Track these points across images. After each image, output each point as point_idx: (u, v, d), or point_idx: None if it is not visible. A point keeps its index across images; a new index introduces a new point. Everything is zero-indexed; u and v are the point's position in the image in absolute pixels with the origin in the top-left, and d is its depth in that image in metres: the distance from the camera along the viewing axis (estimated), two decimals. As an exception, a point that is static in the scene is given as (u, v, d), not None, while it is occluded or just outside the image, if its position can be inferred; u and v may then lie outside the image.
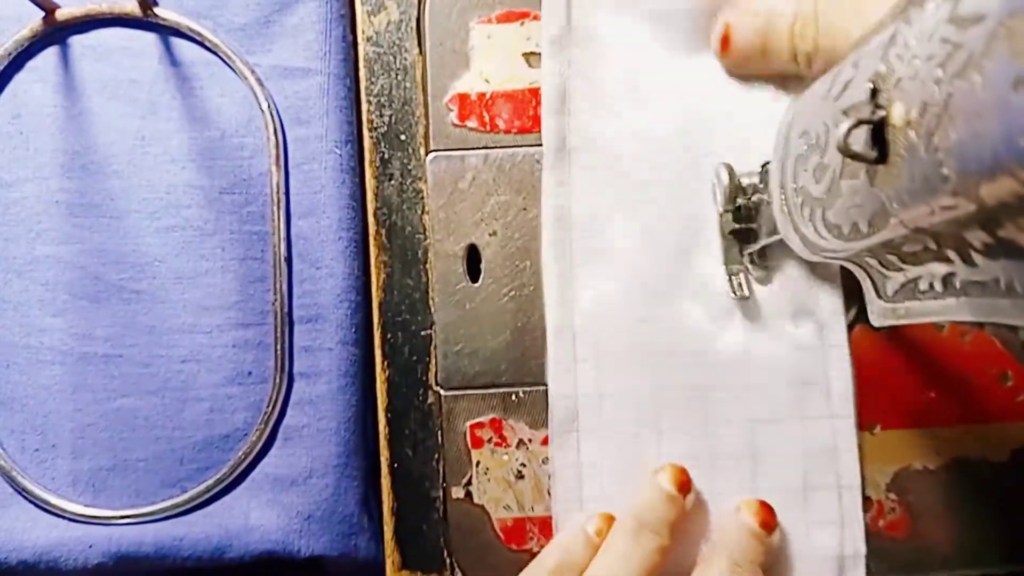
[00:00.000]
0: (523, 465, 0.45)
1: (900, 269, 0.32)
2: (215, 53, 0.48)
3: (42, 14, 0.47)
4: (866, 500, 0.44)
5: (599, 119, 0.45)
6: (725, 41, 0.43)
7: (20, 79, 0.48)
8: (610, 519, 0.43)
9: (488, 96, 0.46)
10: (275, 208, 0.47)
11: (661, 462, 0.44)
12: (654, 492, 0.43)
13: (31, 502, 0.46)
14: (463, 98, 0.46)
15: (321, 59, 0.48)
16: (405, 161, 0.47)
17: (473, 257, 0.46)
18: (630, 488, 0.44)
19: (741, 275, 0.44)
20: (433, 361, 0.46)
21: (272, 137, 0.47)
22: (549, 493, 0.45)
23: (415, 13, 0.47)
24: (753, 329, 0.44)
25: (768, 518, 0.43)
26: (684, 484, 0.43)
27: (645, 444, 0.45)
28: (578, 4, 0.45)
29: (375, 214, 0.47)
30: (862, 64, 0.28)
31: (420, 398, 0.46)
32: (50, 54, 0.48)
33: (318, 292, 0.47)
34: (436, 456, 0.46)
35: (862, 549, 0.44)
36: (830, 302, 0.44)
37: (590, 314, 0.45)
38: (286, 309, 0.47)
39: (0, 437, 0.46)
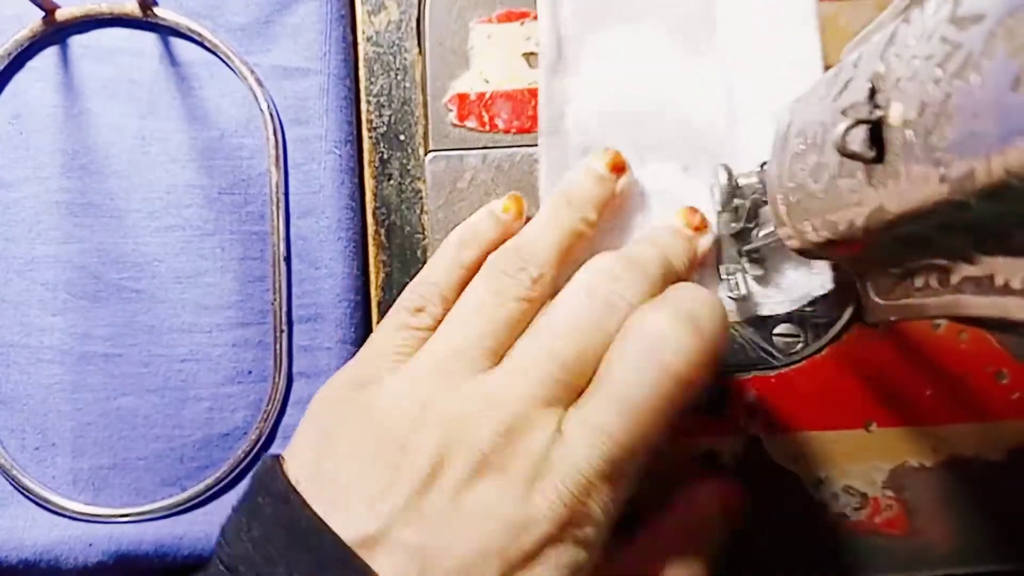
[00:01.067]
0: (522, 463, 0.45)
1: (896, 267, 0.32)
2: (215, 53, 0.48)
3: (42, 14, 0.47)
4: (862, 497, 0.45)
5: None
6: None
7: (20, 79, 0.48)
8: (518, 199, 0.44)
9: (488, 96, 0.46)
10: (274, 208, 0.47)
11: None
12: (584, 174, 0.44)
13: (31, 501, 0.46)
14: (462, 98, 0.46)
15: (321, 59, 0.48)
16: (404, 161, 0.47)
17: (472, 256, 0.46)
18: None
19: (738, 275, 0.44)
20: (432, 360, 0.46)
21: (271, 137, 0.47)
22: None
23: (415, 13, 0.47)
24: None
25: (700, 223, 0.44)
26: (618, 166, 0.44)
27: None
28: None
29: (374, 214, 0.47)
30: (861, 64, 0.28)
31: (419, 397, 0.46)
32: (50, 54, 0.48)
33: (317, 292, 0.47)
34: (435, 454, 0.46)
35: None
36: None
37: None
38: (285, 308, 0.47)
39: (0, 436, 0.46)
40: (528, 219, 0.44)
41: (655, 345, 0.35)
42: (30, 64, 0.48)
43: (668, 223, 0.44)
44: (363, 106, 0.48)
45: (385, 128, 0.47)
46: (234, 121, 0.48)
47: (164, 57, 0.48)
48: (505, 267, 0.40)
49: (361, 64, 0.48)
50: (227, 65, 0.48)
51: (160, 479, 0.47)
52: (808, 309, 0.45)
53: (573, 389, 0.36)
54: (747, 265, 0.44)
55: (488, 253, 0.42)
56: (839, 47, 0.36)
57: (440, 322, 0.40)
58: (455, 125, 0.47)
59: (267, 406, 0.47)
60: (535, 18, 0.46)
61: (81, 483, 0.46)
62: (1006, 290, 0.24)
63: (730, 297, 0.44)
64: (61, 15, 0.47)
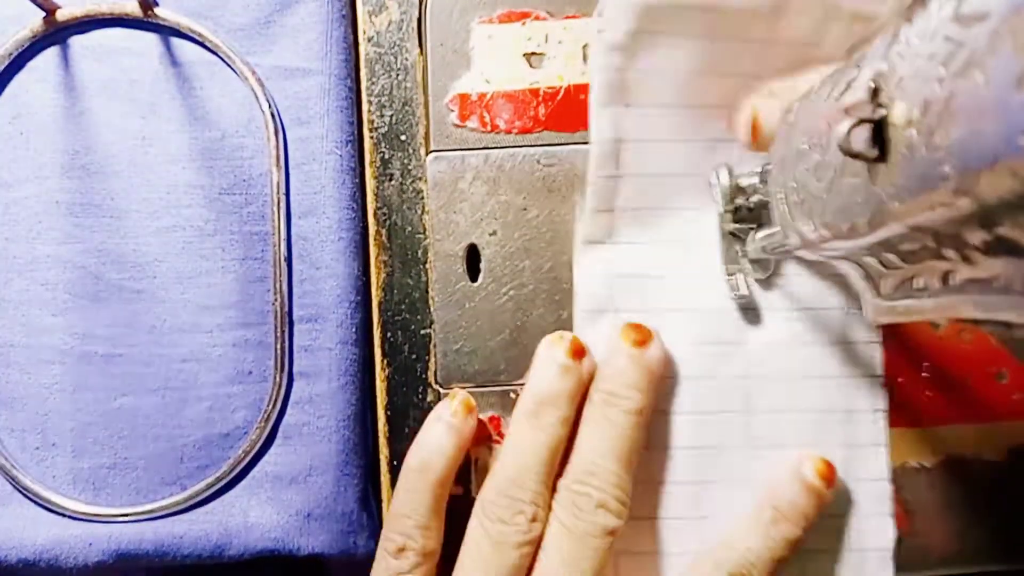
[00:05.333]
0: (522, 463, 0.46)
1: (898, 267, 0.32)
2: (215, 53, 0.48)
3: (42, 14, 0.47)
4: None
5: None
6: (755, 128, 0.41)
7: (20, 79, 0.48)
8: (466, 401, 0.44)
9: (489, 96, 0.46)
10: (275, 208, 0.47)
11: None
12: (547, 367, 0.43)
13: (31, 500, 0.46)
14: (464, 98, 0.46)
15: (322, 59, 0.48)
16: (405, 161, 0.47)
17: (473, 257, 0.47)
18: None
19: (740, 275, 0.44)
20: (433, 360, 0.46)
21: (272, 137, 0.47)
22: None
23: (416, 13, 0.47)
24: (756, 334, 0.45)
25: (828, 473, 0.42)
26: (577, 351, 0.43)
27: None
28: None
29: (375, 214, 0.47)
30: (864, 63, 0.28)
31: (420, 396, 0.46)
32: (50, 54, 0.48)
33: (318, 292, 0.47)
34: (436, 455, 0.46)
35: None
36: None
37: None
38: (286, 309, 0.47)
39: (1, 436, 0.46)
40: (476, 418, 0.44)
41: None
42: (30, 64, 0.48)
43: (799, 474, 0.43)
44: (364, 106, 0.48)
45: (386, 128, 0.47)
46: (235, 121, 0.48)
47: (164, 57, 0.48)
48: (500, 514, 0.41)
49: (362, 64, 0.48)
50: (228, 65, 0.48)
51: (160, 479, 0.47)
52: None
53: None
54: (749, 266, 0.44)
55: (451, 468, 0.42)
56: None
57: (427, 553, 0.42)
58: (456, 125, 0.47)
59: (267, 406, 0.47)
60: (536, 18, 0.46)
61: (81, 483, 0.46)
62: (1007, 291, 0.24)
63: (731, 297, 0.44)
64: (61, 15, 0.47)
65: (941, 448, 0.45)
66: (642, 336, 0.42)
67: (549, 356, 0.43)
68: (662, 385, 0.44)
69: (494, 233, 0.46)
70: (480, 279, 0.46)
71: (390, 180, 0.47)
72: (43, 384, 0.47)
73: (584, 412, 0.43)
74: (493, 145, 0.46)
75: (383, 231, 0.47)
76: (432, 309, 0.46)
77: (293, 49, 0.48)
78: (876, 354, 0.44)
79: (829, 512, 0.43)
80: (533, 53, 0.47)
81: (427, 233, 0.47)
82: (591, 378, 0.43)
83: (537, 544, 0.40)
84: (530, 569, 0.40)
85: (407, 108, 0.47)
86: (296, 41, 0.48)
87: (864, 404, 0.44)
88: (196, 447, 0.47)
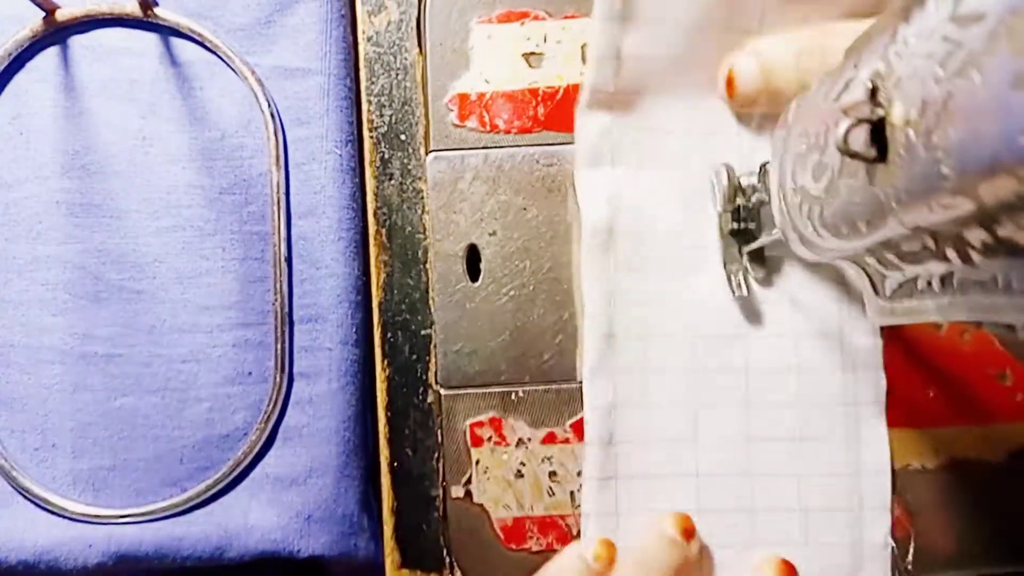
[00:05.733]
0: (522, 464, 0.46)
1: (898, 268, 0.32)
2: (215, 53, 0.48)
3: (42, 14, 0.47)
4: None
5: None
6: (729, 84, 0.43)
7: (20, 79, 0.48)
8: (609, 545, 0.43)
9: (488, 96, 0.46)
10: (275, 208, 0.47)
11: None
12: (658, 539, 0.43)
13: (31, 501, 0.46)
14: (463, 98, 0.46)
15: (321, 59, 0.48)
16: (405, 161, 0.47)
17: (473, 257, 0.46)
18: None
19: (740, 274, 0.44)
20: (433, 360, 0.46)
21: (272, 137, 0.47)
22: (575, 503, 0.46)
23: (415, 13, 0.47)
24: (756, 333, 0.45)
25: (688, 526, 0.43)
26: (688, 531, 0.43)
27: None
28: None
29: (375, 214, 0.47)
30: (862, 63, 0.28)
31: (420, 397, 0.46)
32: (50, 54, 0.48)
33: (318, 292, 0.47)
34: (436, 455, 0.46)
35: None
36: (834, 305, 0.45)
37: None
38: (286, 309, 0.47)
39: (0, 436, 0.46)
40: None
41: None
42: (30, 64, 0.48)
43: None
44: (364, 106, 0.47)
45: (386, 128, 0.47)
46: (235, 121, 0.48)
47: (164, 57, 0.48)
48: None
49: (362, 64, 0.48)
50: (228, 65, 0.48)
51: (160, 480, 0.47)
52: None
53: None
54: (749, 265, 0.44)
55: None
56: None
57: None
58: (456, 125, 0.46)
59: (267, 407, 0.47)
60: (535, 18, 0.46)
61: (81, 484, 0.46)
62: (1008, 291, 0.24)
63: (732, 297, 0.44)
64: (61, 15, 0.47)
65: (943, 450, 0.45)
66: (689, 527, 0.43)
67: (662, 530, 0.43)
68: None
69: (494, 233, 0.46)
70: (480, 279, 0.46)
71: (390, 180, 0.47)
72: (43, 384, 0.47)
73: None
74: (492, 145, 0.46)
75: (383, 231, 0.47)
76: (432, 309, 0.46)
77: (293, 49, 0.48)
78: (877, 354, 0.44)
79: (831, 505, 0.43)
80: (532, 53, 0.46)
81: (427, 233, 0.47)
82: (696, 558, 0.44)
83: None
84: None
85: (406, 108, 0.47)
86: (296, 41, 0.48)
87: (865, 398, 0.44)
88: (196, 448, 0.47)
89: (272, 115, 0.47)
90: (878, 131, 0.25)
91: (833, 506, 0.44)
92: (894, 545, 0.44)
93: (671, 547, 0.43)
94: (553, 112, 0.46)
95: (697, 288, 0.45)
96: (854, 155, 0.26)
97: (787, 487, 0.44)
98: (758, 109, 0.44)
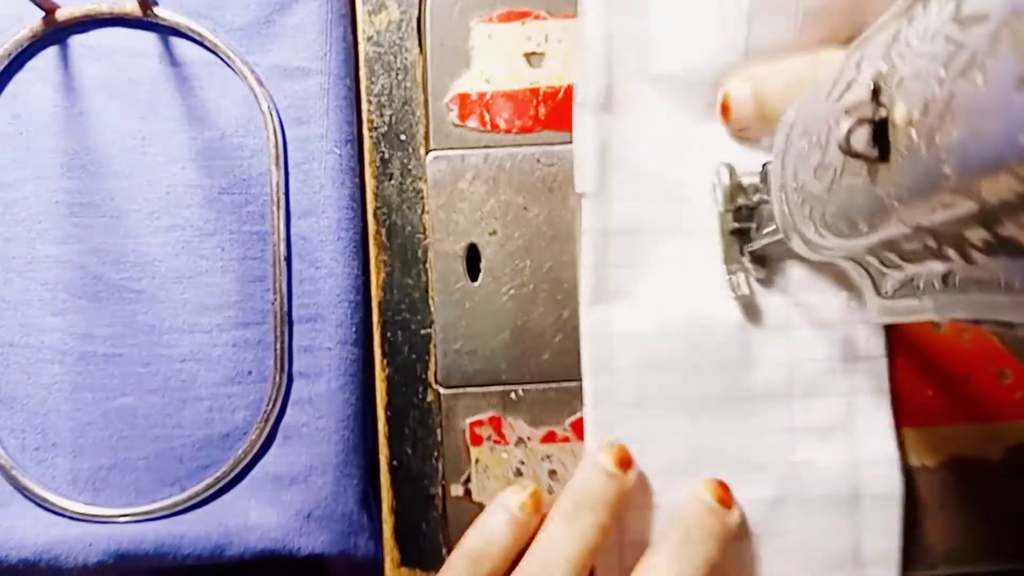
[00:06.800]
0: (522, 463, 0.46)
1: (899, 267, 0.32)
2: (215, 53, 0.48)
3: (42, 14, 0.47)
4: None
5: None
6: (724, 109, 0.44)
7: (20, 79, 0.48)
8: (536, 495, 0.43)
9: (489, 96, 0.46)
10: (275, 208, 0.47)
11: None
12: (592, 471, 0.42)
13: (31, 501, 0.46)
14: (463, 98, 0.46)
15: (321, 59, 0.48)
16: (405, 161, 0.47)
17: (473, 256, 0.46)
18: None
19: (740, 274, 0.44)
20: (433, 359, 0.46)
21: (272, 137, 0.47)
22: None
23: (416, 12, 0.47)
24: (757, 332, 0.45)
25: (724, 495, 0.43)
26: (624, 461, 0.42)
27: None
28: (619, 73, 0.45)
29: (375, 214, 0.47)
30: (864, 64, 0.28)
31: (419, 396, 0.46)
32: (50, 54, 0.48)
33: (318, 291, 0.47)
34: (435, 454, 0.46)
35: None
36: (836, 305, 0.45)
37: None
38: (286, 308, 0.47)
39: (0, 436, 0.46)
40: (543, 515, 0.43)
41: None
42: (30, 64, 0.48)
43: (698, 498, 0.43)
44: (364, 106, 0.47)
45: (386, 128, 0.47)
46: (234, 121, 0.48)
47: (164, 57, 0.48)
48: None
49: (362, 64, 0.48)
50: (227, 65, 0.48)
51: (160, 479, 0.47)
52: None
53: None
54: (750, 265, 0.44)
55: (507, 564, 0.41)
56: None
57: None
58: (456, 125, 0.47)
59: (267, 406, 0.47)
60: (536, 17, 0.46)
61: (81, 483, 0.46)
62: (1008, 290, 0.24)
63: (732, 297, 0.44)
64: (61, 15, 0.47)
65: (943, 448, 0.45)
66: (625, 457, 0.43)
67: (595, 461, 0.43)
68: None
69: (494, 233, 0.46)
70: (480, 279, 0.46)
71: (390, 180, 0.47)
72: (43, 384, 0.47)
73: (550, 513, 0.42)
74: (493, 144, 0.46)
75: (383, 231, 0.47)
76: (432, 309, 0.46)
77: (292, 49, 0.48)
78: (879, 353, 0.44)
79: (834, 492, 0.44)
80: (533, 52, 0.46)
81: (427, 233, 0.47)
82: (633, 489, 0.43)
83: None
84: None
85: (407, 107, 0.47)
86: (295, 41, 0.48)
87: (867, 394, 0.44)
88: (196, 447, 0.47)
89: (272, 115, 0.47)
90: (880, 131, 0.25)
91: (835, 500, 0.44)
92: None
93: (607, 480, 0.42)
94: (554, 112, 0.46)
95: (697, 287, 0.45)
96: (856, 155, 0.26)
97: (788, 482, 0.44)
98: (753, 134, 0.44)
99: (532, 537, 0.42)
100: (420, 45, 0.47)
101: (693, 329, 0.45)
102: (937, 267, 0.29)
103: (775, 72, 0.43)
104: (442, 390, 0.46)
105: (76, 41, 0.48)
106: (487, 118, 0.46)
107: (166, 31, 0.48)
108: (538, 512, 0.43)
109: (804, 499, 0.44)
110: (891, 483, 0.44)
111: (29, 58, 0.48)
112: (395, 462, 0.46)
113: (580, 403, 0.45)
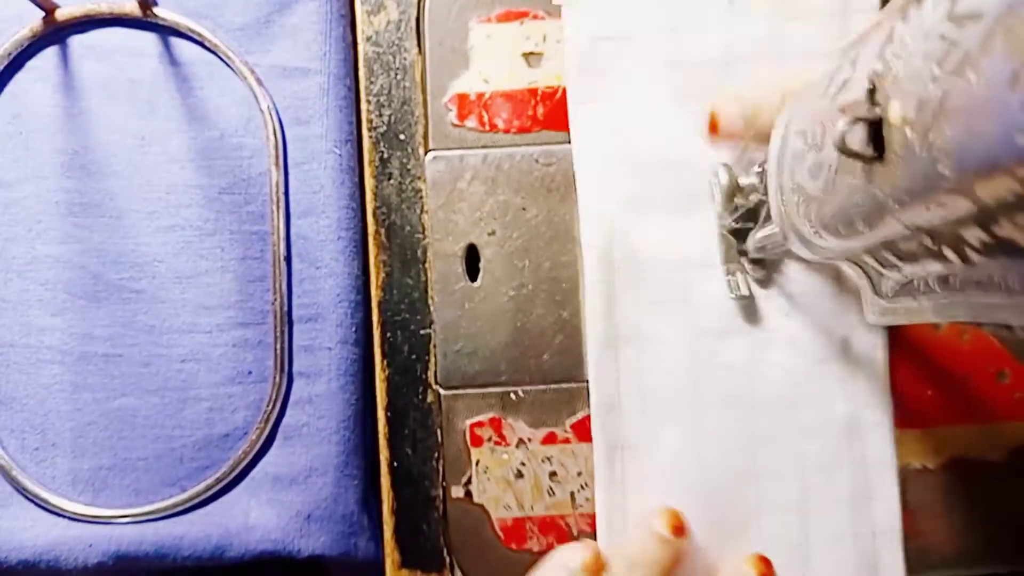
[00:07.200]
0: (523, 464, 0.46)
1: (897, 268, 0.32)
2: (215, 53, 0.48)
3: (42, 14, 0.47)
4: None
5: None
6: (713, 126, 0.44)
7: (20, 79, 0.48)
8: (597, 556, 0.43)
9: (487, 96, 0.46)
10: (275, 208, 0.47)
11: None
12: (647, 537, 0.43)
13: (31, 501, 0.46)
14: (462, 98, 0.46)
15: (321, 59, 0.48)
16: (404, 161, 0.47)
17: (472, 256, 0.46)
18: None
19: (739, 275, 0.44)
20: (432, 360, 0.46)
21: (272, 137, 0.47)
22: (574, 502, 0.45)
23: (415, 13, 0.47)
24: (757, 336, 0.45)
25: (767, 571, 0.43)
26: (678, 527, 0.43)
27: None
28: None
29: (374, 214, 0.47)
30: (860, 62, 0.28)
31: (420, 397, 0.46)
32: (50, 54, 0.48)
33: (318, 291, 0.47)
34: (436, 455, 0.46)
35: None
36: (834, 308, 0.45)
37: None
38: (286, 308, 0.47)
39: (0, 436, 0.46)
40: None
41: None
42: (30, 64, 0.48)
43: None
44: (363, 106, 0.47)
45: (385, 128, 0.47)
46: (234, 121, 0.48)
47: (164, 57, 0.48)
48: None
49: (361, 64, 0.48)
50: (227, 65, 0.48)
51: (160, 479, 0.47)
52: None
53: None
54: (748, 265, 0.44)
55: None
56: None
57: None
58: (455, 125, 0.46)
59: (267, 406, 0.47)
60: (535, 18, 0.46)
61: (81, 484, 0.46)
62: (1006, 291, 0.24)
63: (731, 297, 0.44)
64: (61, 15, 0.47)
65: (943, 449, 0.45)
66: (679, 523, 0.43)
67: (650, 526, 0.43)
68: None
69: (493, 233, 0.46)
70: (479, 279, 0.46)
71: (389, 179, 0.47)
72: (43, 384, 0.47)
73: None
74: (492, 144, 0.46)
75: (382, 230, 0.47)
76: (432, 309, 0.46)
77: (292, 49, 0.48)
78: (878, 354, 0.44)
79: (834, 504, 0.43)
80: (531, 52, 0.46)
81: (426, 233, 0.47)
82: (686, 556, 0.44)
83: None
84: None
85: (406, 107, 0.47)
86: (295, 41, 0.48)
87: (866, 395, 0.44)
88: (196, 448, 0.47)
89: (271, 115, 0.47)
90: (876, 130, 0.25)
91: (836, 504, 0.44)
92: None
93: (661, 544, 0.42)
94: (552, 111, 0.46)
95: (697, 289, 0.45)
96: (852, 154, 0.26)
97: (788, 486, 0.44)
98: (743, 146, 0.44)
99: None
100: (419, 45, 0.47)
101: (696, 336, 0.44)
102: (935, 268, 0.29)
103: (770, 87, 0.42)
104: (442, 391, 0.46)
105: (76, 41, 0.48)
106: (486, 118, 0.46)
107: (166, 31, 0.48)
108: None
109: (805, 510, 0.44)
110: (891, 484, 0.44)
111: (29, 58, 0.48)
112: (395, 463, 0.46)
113: (580, 404, 0.45)
